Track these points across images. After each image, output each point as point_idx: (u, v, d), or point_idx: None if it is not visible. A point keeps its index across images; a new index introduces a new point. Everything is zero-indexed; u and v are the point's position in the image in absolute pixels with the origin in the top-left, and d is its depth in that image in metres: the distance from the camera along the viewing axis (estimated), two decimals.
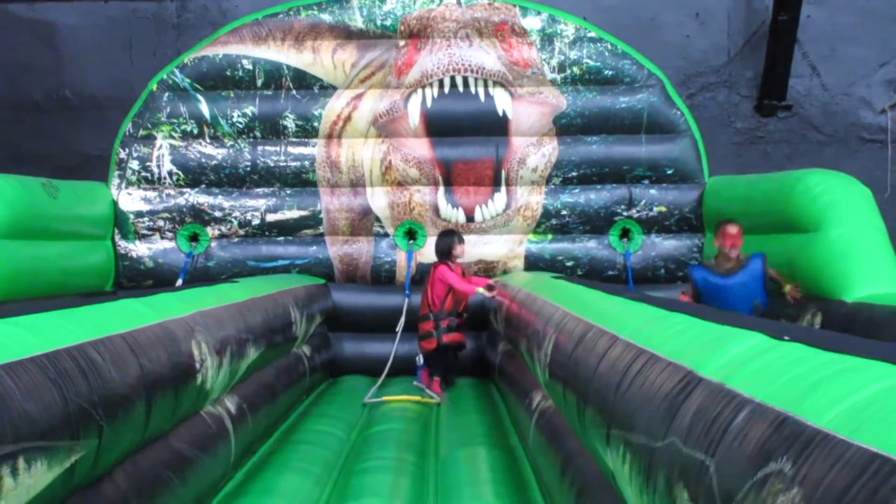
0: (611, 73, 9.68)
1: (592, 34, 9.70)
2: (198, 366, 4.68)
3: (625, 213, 9.74)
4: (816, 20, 10.89)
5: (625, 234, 9.78)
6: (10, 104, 11.13)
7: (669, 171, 9.69)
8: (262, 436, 6.47)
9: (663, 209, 9.69)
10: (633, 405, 2.84)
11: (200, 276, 9.57)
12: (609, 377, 3.25)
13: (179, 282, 9.47)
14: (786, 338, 2.30)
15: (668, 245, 9.73)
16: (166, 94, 9.76)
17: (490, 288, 8.59)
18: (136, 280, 9.71)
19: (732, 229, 7.49)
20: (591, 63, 9.68)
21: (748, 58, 11.02)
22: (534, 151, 9.74)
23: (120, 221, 9.74)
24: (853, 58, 10.96)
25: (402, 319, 9.25)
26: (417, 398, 8.36)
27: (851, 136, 11.07)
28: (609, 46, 9.69)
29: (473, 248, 9.75)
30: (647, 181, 9.73)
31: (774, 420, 1.85)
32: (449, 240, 8.91)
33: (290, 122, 9.77)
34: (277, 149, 9.81)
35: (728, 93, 11.12)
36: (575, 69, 9.67)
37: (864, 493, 1.42)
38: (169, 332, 4.42)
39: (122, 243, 9.75)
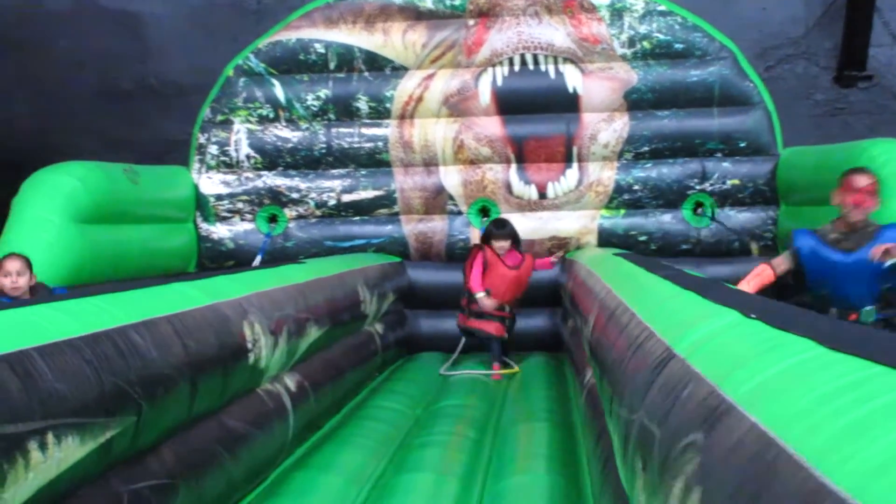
0: (681, 46, 9.64)
1: (662, 7, 9.66)
2: (249, 346, 4.86)
3: (698, 187, 9.71)
4: None
5: (698, 207, 9.75)
6: (98, 93, 11.45)
7: (742, 144, 9.63)
8: (327, 412, 6.63)
9: (737, 182, 9.64)
10: (626, 379, 2.93)
11: (279, 255, 9.80)
12: (620, 352, 3.33)
13: (258, 261, 9.73)
14: (752, 315, 2.36)
15: (741, 218, 9.67)
16: (242, 79, 10.02)
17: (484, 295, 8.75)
18: (217, 261, 10.00)
19: (861, 180, 5.88)
20: (662, 37, 9.65)
21: (826, 28, 10.84)
22: (605, 127, 9.76)
23: (201, 204, 10.04)
24: None
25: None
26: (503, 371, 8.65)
27: None
28: (679, 20, 9.65)
29: (546, 225, 9.84)
30: (719, 154, 9.68)
31: (706, 394, 1.93)
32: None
33: (362, 104, 9.94)
34: (351, 130, 9.99)
35: (807, 64, 10.96)
36: (645, 43, 9.66)
37: (736, 461, 1.50)
38: (219, 313, 4.59)
39: (203, 225, 10.05)
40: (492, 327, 8.86)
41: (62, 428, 2.96)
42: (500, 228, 8.89)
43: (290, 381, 5.80)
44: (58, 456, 2.94)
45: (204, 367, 4.19)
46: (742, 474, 1.43)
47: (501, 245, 8.77)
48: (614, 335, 3.74)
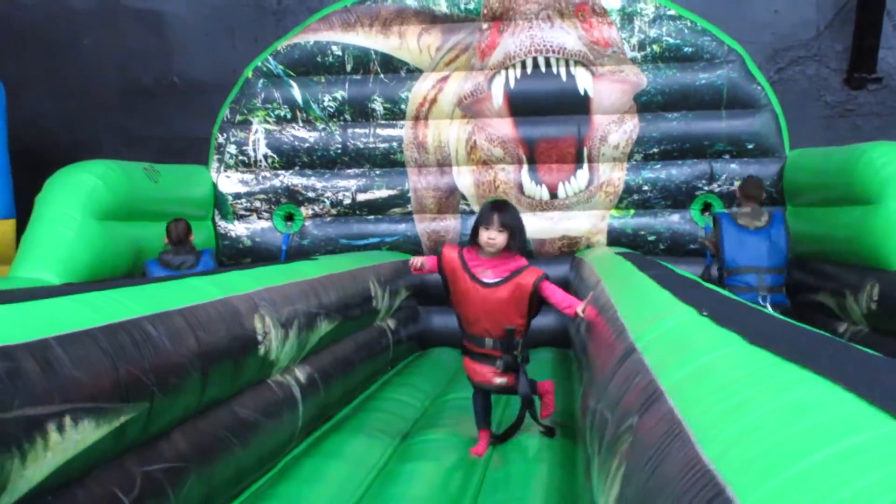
0: (690, 49, 9.84)
1: (672, 12, 9.86)
2: (260, 338, 5.10)
3: (706, 188, 9.90)
4: None
5: (706, 208, 9.95)
6: (121, 90, 11.69)
7: (750, 146, 9.82)
8: (337, 404, 6.85)
9: None
10: (596, 370, 3.14)
11: (296, 253, 10.09)
12: (597, 346, 3.54)
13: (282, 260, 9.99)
14: (704, 313, 2.57)
15: None
16: (261, 80, 10.28)
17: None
18: (235, 258, 10.28)
19: None
20: (671, 41, 9.85)
21: (838, 31, 10.99)
22: (615, 129, 9.97)
23: (219, 203, 10.32)
24: None
25: None
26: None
27: None
28: (689, 24, 9.84)
29: (557, 224, 10.06)
30: (727, 156, 9.88)
31: (647, 383, 2.15)
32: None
33: (378, 105, 10.18)
34: (366, 131, 10.24)
35: (818, 67, 11.11)
36: (655, 47, 9.86)
37: (651, 439, 1.72)
38: (231, 306, 4.83)
39: (221, 223, 10.33)
40: (481, 372, 5.72)
41: (79, 412, 3.20)
42: (494, 211, 5.46)
43: (301, 373, 6.03)
44: (75, 438, 3.18)
45: (215, 358, 4.43)
46: (652, 450, 1.64)
47: (490, 238, 5.41)
48: (598, 330, 3.95)
